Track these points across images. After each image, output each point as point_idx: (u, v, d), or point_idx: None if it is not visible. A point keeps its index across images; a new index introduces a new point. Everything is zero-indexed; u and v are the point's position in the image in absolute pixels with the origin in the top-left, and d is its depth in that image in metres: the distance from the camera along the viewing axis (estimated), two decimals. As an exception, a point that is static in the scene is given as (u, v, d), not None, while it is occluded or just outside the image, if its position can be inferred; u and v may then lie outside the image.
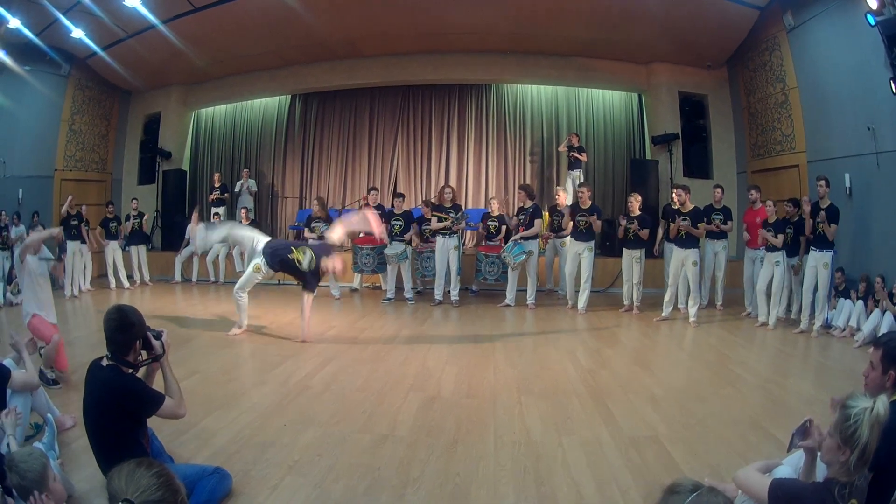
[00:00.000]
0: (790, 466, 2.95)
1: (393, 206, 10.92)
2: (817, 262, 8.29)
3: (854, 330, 8.17)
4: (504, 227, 10.69)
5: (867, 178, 9.33)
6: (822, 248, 8.24)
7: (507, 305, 10.13)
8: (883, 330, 7.58)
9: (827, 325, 8.49)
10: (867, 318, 8.06)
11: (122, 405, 3.14)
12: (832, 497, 2.33)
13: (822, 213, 8.19)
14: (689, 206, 9.16)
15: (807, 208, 8.41)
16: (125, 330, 3.22)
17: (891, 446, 2.54)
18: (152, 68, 13.88)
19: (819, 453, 2.63)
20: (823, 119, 10.41)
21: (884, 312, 7.86)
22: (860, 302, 8.35)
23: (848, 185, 9.61)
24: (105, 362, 3.20)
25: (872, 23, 8.30)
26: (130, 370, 3.26)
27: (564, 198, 10.49)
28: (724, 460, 3.95)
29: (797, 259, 8.86)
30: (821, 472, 2.67)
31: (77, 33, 11.89)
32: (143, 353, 3.34)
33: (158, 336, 3.37)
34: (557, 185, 12.65)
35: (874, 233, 9.25)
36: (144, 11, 11.08)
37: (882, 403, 2.34)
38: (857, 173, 9.55)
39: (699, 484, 1.74)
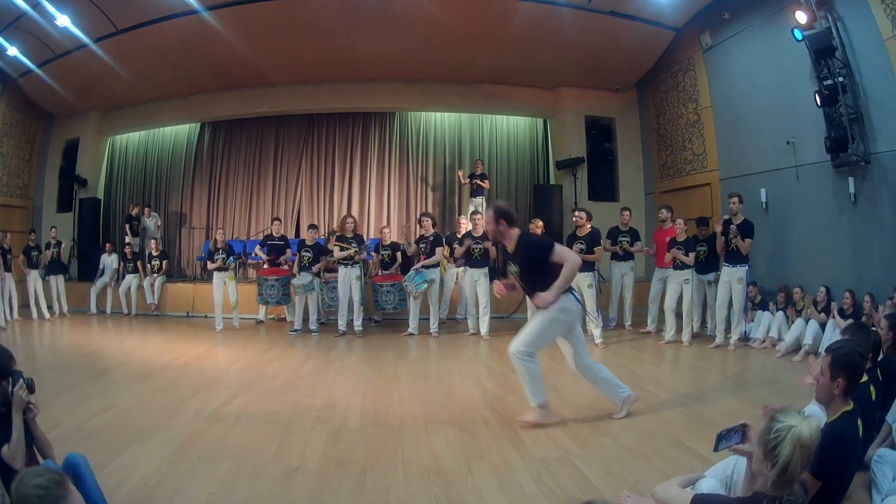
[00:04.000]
0: (715, 478, 2.96)
1: (304, 236, 10.91)
2: (731, 277, 8.48)
3: (775, 341, 8.38)
4: (399, 254, 10.76)
5: (785, 191, 9.65)
6: (736, 264, 8.44)
7: (411, 334, 10.05)
8: (807, 338, 7.86)
9: (745, 338, 8.68)
10: (788, 328, 8.26)
11: None
12: None
13: (734, 227, 8.38)
14: (587, 230, 9.26)
15: (719, 228, 8.58)
16: None
17: (842, 454, 2.57)
18: (75, 91, 13.62)
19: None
20: (738, 136, 10.72)
21: (807, 321, 8.07)
22: (780, 313, 8.59)
23: (764, 199, 9.92)
24: None
25: (799, 38, 8.55)
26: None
27: (466, 226, 10.54)
28: (642, 477, 3.97)
29: (714, 275, 9.02)
30: None
31: (13, 51, 11.77)
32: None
33: (14, 384, 3.20)
34: (460, 214, 12.71)
35: (793, 245, 9.58)
36: (75, 30, 11.08)
37: (808, 425, 2.31)
38: (773, 188, 9.87)
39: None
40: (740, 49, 10.59)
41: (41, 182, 15.06)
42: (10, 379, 3.19)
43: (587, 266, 9.06)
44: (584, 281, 9.00)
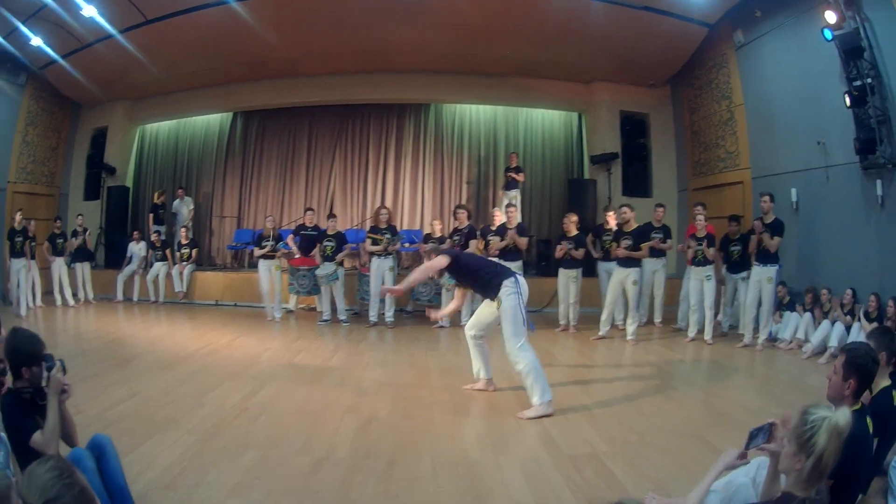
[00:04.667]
0: (746, 477, 2.94)
1: (326, 226, 10.85)
2: (761, 277, 8.43)
3: (801, 342, 8.30)
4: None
5: (815, 192, 9.50)
6: (766, 263, 8.40)
7: (442, 326, 10.02)
8: (833, 340, 7.73)
9: (772, 339, 8.60)
10: (815, 329, 8.17)
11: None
12: None
13: (758, 223, 8.39)
14: (633, 226, 9.19)
15: (757, 226, 8.52)
16: (7, 354, 3.20)
17: (852, 452, 2.54)
18: (101, 82, 13.63)
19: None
20: (770, 135, 10.58)
21: (833, 323, 7.98)
22: (808, 314, 8.47)
23: (794, 199, 9.77)
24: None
25: (829, 37, 8.42)
26: (27, 395, 3.20)
27: (500, 218, 10.47)
28: (667, 474, 3.97)
29: (746, 273, 8.95)
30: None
31: (36, 41, 11.72)
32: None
33: (50, 367, 3.19)
34: (494, 206, 12.64)
35: (822, 246, 9.42)
36: (101, 21, 11.01)
37: (843, 414, 2.31)
38: (804, 188, 9.72)
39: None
40: (772, 47, 10.44)
41: (67, 170, 15.11)
42: (43, 363, 3.18)
43: (632, 262, 9.05)
44: (629, 277, 8.98)
